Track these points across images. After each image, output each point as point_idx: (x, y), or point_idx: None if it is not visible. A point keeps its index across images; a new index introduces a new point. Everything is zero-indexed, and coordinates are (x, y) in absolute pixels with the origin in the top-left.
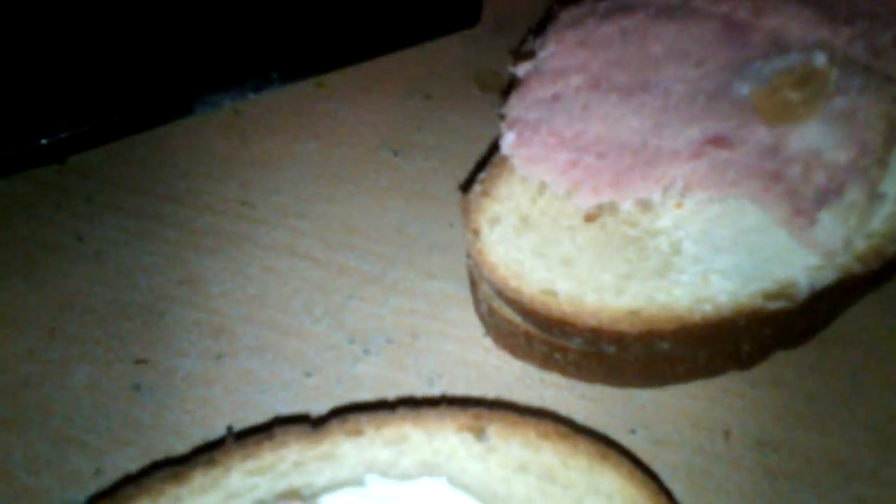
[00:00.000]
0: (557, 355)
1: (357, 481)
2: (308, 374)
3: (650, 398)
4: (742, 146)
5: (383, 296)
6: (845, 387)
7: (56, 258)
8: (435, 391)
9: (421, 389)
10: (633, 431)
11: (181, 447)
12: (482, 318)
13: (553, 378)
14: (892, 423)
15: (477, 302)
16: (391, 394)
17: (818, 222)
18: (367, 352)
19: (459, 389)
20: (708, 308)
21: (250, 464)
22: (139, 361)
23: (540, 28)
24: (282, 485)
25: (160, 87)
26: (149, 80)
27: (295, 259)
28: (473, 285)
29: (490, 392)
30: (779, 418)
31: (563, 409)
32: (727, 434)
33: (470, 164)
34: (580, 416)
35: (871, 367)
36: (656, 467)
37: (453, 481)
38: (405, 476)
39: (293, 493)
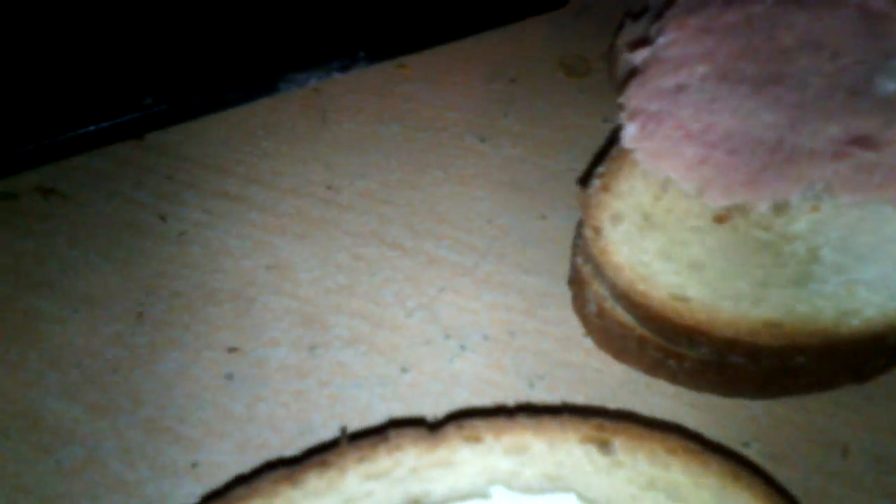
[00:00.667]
0: (672, 362)
1: (480, 493)
2: (404, 370)
3: (762, 410)
4: (889, 147)
5: (476, 290)
6: None
7: (140, 238)
8: (536, 393)
9: (522, 390)
10: (746, 445)
11: (277, 441)
12: (585, 318)
13: (659, 385)
14: None
15: (581, 301)
16: (491, 394)
17: None
18: (463, 348)
19: (561, 392)
20: (856, 322)
21: (365, 468)
22: (231, 350)
23: (644, 12)
24: (398, 491)
25: (247, 64)
26: (236, 57)
27: (383, 247)
28: (579, 283)
29: (594, 396)
30: None
31: (671, 418)
32: (845, 451)
33: (559, 152)
34: (690, 427)
35: None
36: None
37: (581, 497)
38: (529, 489)
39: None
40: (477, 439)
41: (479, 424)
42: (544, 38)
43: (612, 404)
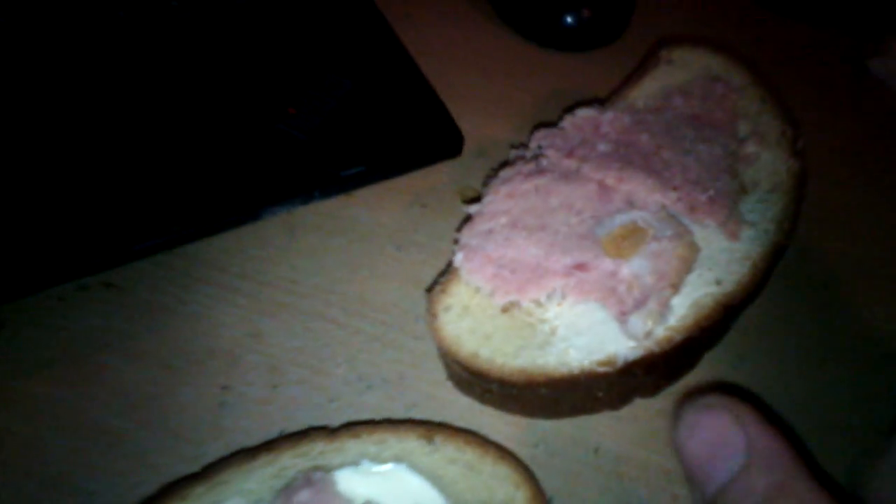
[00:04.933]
0: (488, 395)
1: (355, 463)
2: (331, 400)
3: (551, 426)
4: (595, 271)
5: (383, 350)
6: None
7: (166, 317)
8: (412, 414)
9: (403, 413)
10: (535, 446)
11: (253, 441)
12: (444, 367)
13: (489, 410)
14: None
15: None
16: (383, 412)
17: (630, 321)
18: (369, 387)
19: (426, 414)
20: (565, 369)
21: (296, 450)
22: (223, 387)
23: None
24: (311, 464)
25: (238, 200)
26: (230, 196)
27: (325, 322)
28: None
29: (446, 416)
30: (633, 442)
31: (491, 429)
32: (596, 450)
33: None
34: (503, 434)
35: None
36: (547, 469)
37: (411, 466)
38: (384, 461)
39: (317, 468)
40: (357, 436)
41: (358, 429)
42: (450, 174)
43: (457, 421)
